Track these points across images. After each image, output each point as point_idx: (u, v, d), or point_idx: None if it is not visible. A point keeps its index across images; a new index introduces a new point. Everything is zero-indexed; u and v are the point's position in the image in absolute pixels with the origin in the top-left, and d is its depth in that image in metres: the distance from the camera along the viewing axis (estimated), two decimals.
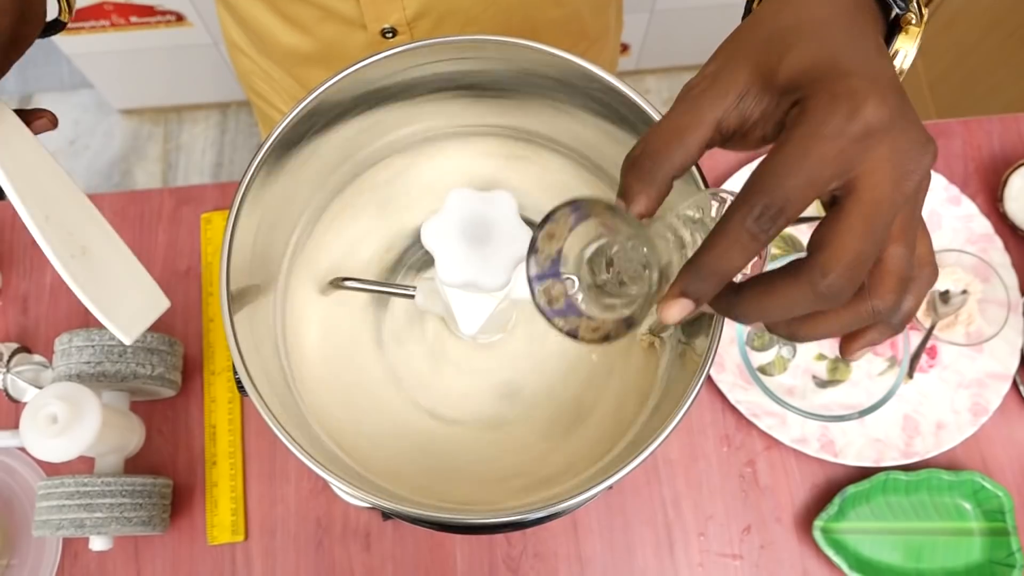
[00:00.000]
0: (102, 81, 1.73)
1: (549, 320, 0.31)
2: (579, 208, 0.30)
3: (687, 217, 0.32)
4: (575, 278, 0.31)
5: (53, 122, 0.42)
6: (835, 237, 0.28)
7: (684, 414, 0.37)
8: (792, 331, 0.31)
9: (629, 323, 0.29)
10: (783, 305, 0.29)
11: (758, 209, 0.27)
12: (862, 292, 0.30)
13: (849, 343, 0.33)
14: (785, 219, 0.28)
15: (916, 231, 0.31)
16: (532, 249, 0.31)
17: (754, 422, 0.72)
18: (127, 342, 0.39)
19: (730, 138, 0.32)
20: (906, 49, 0.34)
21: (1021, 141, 0.83)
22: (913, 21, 0.34)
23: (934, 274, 0.32)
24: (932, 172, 0.79)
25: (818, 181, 0.28)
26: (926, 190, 0.30)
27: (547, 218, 0.30)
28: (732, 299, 0.30)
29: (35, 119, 0.41)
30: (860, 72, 0.29)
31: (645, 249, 0.30)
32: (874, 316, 0.30)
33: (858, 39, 0.31)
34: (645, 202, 0.31)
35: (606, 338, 0.30)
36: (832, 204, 0.29)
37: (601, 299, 0.31)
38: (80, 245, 0.39)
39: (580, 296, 0.31)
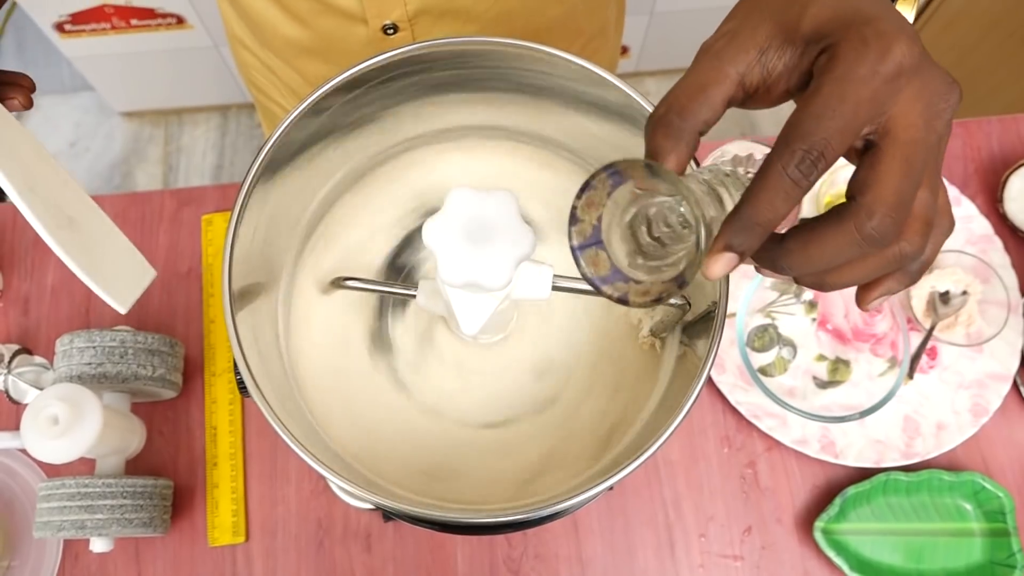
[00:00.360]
0: (103, 84, 1.73)
1: (598, 289, 0.30)
2: (617, 172, 0.29)
3: (721, 172, 0.32)
4: (618, 243, 0.31)
5: (25, 103, 0.42)
6: (877, 179, 0.28)
7: (686, 415, 0.37)
8: (821, 280, 0.31)
9: (680, 282, 0.29)
10: (830, 252, 0.29)
11: (799, 154, 0.28)
12: None
13: (867, 292, 0.33)
14: (825, 163, 0.28)
15: (939, 176, 0.31)
16: (572, 219, 0.30)
17: (755, 423, 0.72)
18: (122, 311, 0.39)
19: (752, 94, 0.32)
20: (904, 15, 0.35)
21: (1020, 142, 0.83)
22: None
23: (951, 224, 0.32)
24: None
25: (855, 123, 0.28)
26: (949, 134, 0.30)
27: (585, 186, 0.30)
28: (776, 250, 0.30)
29: (7, 99, 0.41)
30: (885, 17, 0.29)
31: (684, 207, 0.29)
32: (901, 260, 0.30)
33: None
34: (675, 159, 0.30)
35: (657, 300, 0.30)
36: (865, 150, 0.30)
37: (646, 262, 0.31)
38: (67, 216, 0.39)
39: (625, 261, 0.31)
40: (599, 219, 0.30)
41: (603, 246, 0.30)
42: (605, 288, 0.30)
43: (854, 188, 0.29)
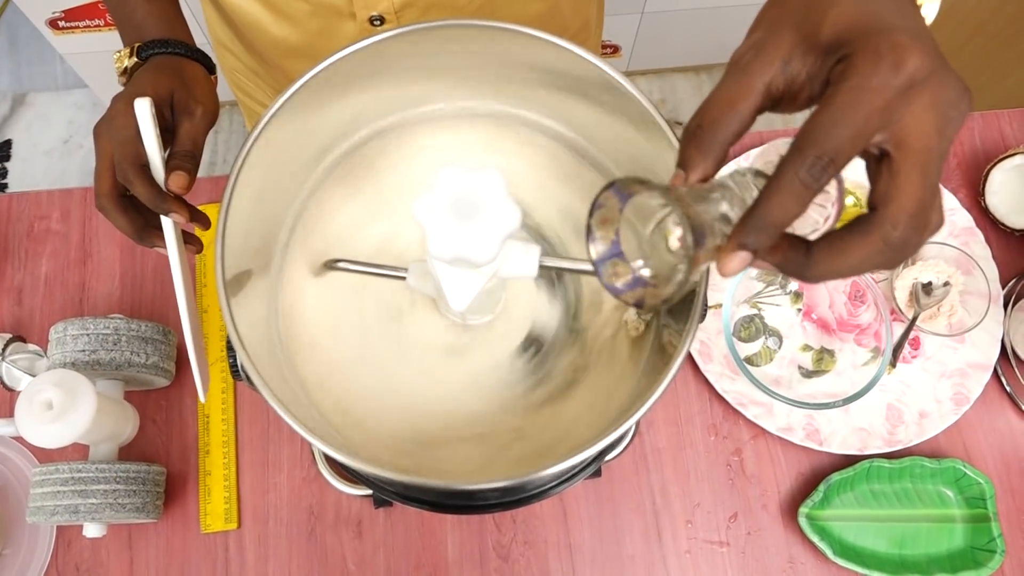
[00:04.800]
0: (96, 80, 1.73)
1: (618, 296, 0.33)
2: (620, 190, 0.32)
3: (751, 172, 0.34)
4: (641, 253, 0.33)
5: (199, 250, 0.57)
6: (897, 190, 0.29)
7: (670, 382, 0.38)
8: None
9: (682, 284, 0.31)
10: (857, 261, 0.30)
11: (810, 160, 0.29)
12: None
13: None
14: (835, 168, 0.29)
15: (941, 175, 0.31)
16: (590, 236, 0.33)
17: (741, 411, 0.74)
18: (203, 399, 0.56)
19: (780, 101, 0.33)
20: (931, 4, 0.36)
21: (1002, 137, 0.85)
22: None
23: (941, 221, 0.33)
24: None
25: (865, 132, 0.29)
26: (956, 137, 0.31)
27: (594, 205, 0.32)
28: (804, 260, 0.32)
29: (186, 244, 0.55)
30: (901, 27, 0.30)
31: (686, 213, 0.31)
32: (901, 256, 0.31)
33: None
34: (702, 170, 0.32)
35: (667, 300, 0.32)
36: (880, 158, 0.31)
37: (662, 267, 0.33)
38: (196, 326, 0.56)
39: (647, 270, 0.33)
40: (617, 233, 0.32)
41: (623, 257, 0.33)
42: (625, 295, 0.33)
43: (876, 199, 0.30)
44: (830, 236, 0.31)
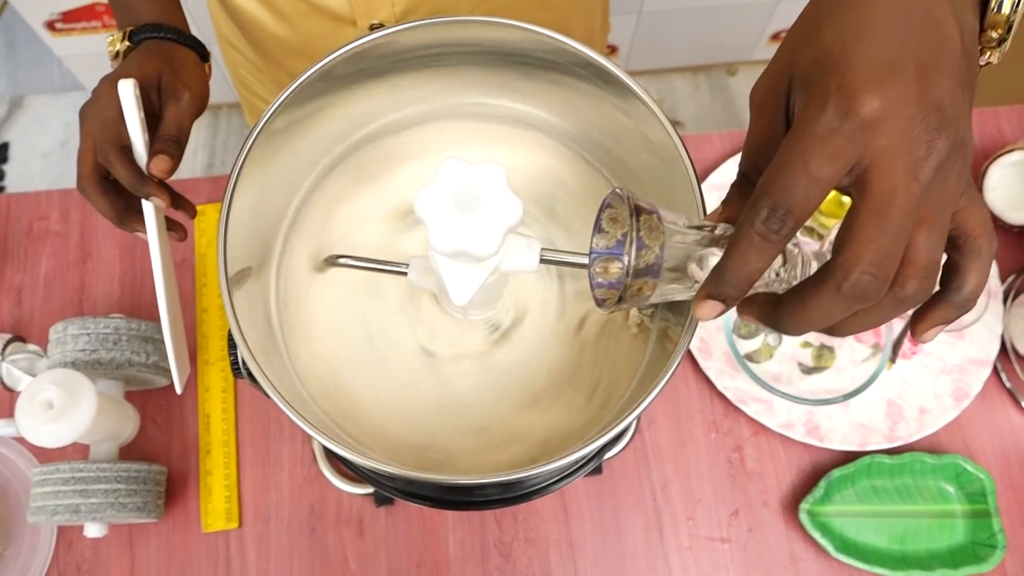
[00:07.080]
0: (93, 82, 1.72)
1: (593, 288, 0.35)
2: (630, 200, 0.33)
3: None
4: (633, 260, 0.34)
5: (182, 237, 0.56)
6: (851, 237, 0.27)
7: (670, 377, 0.38)
8: (829, 330, 0.31)
9: (642, 302, 0.33)
10: (820, 313, 0.29)
11: (765, 212, 0.28)
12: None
13: (916, 326, 0.32)
14: (794, 219, 0.28)
15: (947, 211, 0.29)
16: (598, 228, 0.35)
17: (741, 408, 0.74)
18: (179, 391, 0.54)
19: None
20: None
21: (999, 133, 0.85)
22: None
23: (991, 245, 0.31)
24: None
25: (820, 180, 0.27)
26: (956, 170, 0.29)
27: (606, 204, 0.35)
28: (774, 316, 0.31)
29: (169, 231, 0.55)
30: (863, 62, 0.28)
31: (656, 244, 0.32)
32: (900, 305, 0.29)
33: (898, 14, 0.29)
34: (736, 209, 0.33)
35: (619, 307, 0.34)
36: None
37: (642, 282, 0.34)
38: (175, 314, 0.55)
39: (632, 278, 0.33)
40: (623, 235, 0.34)
41: (620, 257, 0.34)
42: (598, 291, 0.35)
43: (835, 246, 0.28)
44: (796, 288, 0.30)
